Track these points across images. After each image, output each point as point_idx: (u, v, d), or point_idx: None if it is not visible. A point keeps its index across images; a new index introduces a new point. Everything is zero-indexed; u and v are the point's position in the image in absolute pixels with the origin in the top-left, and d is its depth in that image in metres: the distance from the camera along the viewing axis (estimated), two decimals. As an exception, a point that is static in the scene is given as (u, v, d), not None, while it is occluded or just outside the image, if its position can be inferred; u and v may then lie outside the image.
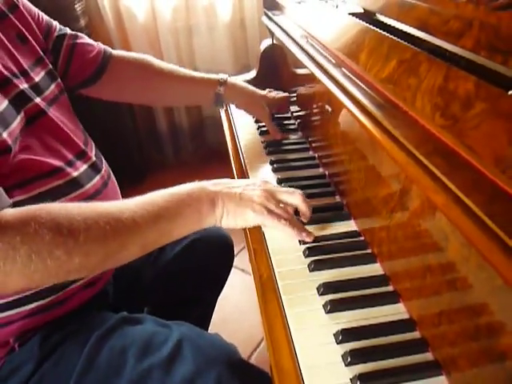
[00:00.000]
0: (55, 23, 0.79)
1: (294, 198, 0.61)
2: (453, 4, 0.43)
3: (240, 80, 0.98)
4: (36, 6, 0.76)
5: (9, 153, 0.53)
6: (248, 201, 0.58)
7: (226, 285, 1.00)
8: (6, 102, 0.55)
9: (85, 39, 0.83)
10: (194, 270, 0.87)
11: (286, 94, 1.00)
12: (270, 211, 0.58)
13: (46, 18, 0.77)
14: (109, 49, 0.86)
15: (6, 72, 0.58)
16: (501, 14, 0.36)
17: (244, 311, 1.41)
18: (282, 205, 0.61)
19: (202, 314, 0.98)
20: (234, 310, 1.41)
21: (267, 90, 1.00)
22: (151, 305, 0.93)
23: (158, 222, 0.53)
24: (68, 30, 0.81)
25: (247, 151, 0.91)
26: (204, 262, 0.87)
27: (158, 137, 2.15)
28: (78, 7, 1.78)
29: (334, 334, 0.49)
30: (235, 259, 1.00)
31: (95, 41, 0.84)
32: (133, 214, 0.51)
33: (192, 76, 0.90)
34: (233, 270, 1.00)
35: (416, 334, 0.48)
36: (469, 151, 0.35)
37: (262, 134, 0.97)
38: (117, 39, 1.89)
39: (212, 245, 0.90)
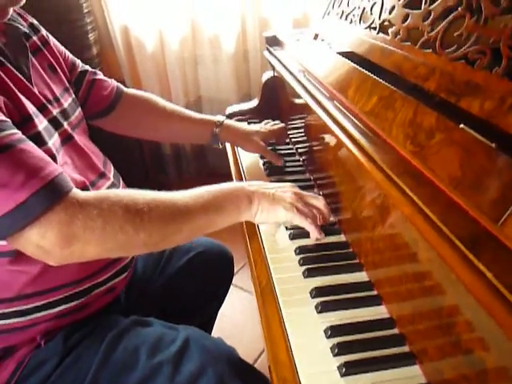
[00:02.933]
0: (78, 61, 0.89)
1: (318, 201, 0.70)
2: (421, 53, 0.53)
3: (234, 121, 1.05)
4: (54, 34, 0.85)
5: (55, 161, 0.61)
6: (280, 200, 0.67)
7: (225, 302, 1.06)
8: (45, 122, 0.64)
9: (102, 76, 0.93)
10: (196, 280, 0.94)
11: (283, 125, 1.07)
12: (298, 210, 0.66)
13: (70, 55, 0.88)
14: (121, 86, 0.96)
15: (42, 99, 0.67)
16: (455, 64, 0.46)
17: (242, 328, 1.45)
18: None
19: (203, 323, 1.05)
20: (233, 327, 1.46)
21: (264, 121, 1.09)
22: (157, 312, 1.00)
23: (206, 213, 0.62)
24: (89, 68, 0.91)
25: (249, 173, 0.99)
26: (205, 274, 0.94)
27: (162, 159, 2.24)
28: (91, 36, 1.90)
29: (324, 330, 0.56)
30: (235, 277, 1.08)
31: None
32: (186, 203, 0.61)
33: (192, 117, 0.99)
34: (232, 287, 1.07)
35: (395, 331, 0.56)
36: (431, 172, 0.43)
37: (262, 157, 1.05)
38: (126, 67, 1.99)
39: (213, 258, 0.97)
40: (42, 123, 0.63)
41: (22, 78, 0.62)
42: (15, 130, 0.54)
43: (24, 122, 0.59)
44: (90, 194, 0.57)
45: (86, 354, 0.65)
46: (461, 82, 0.44)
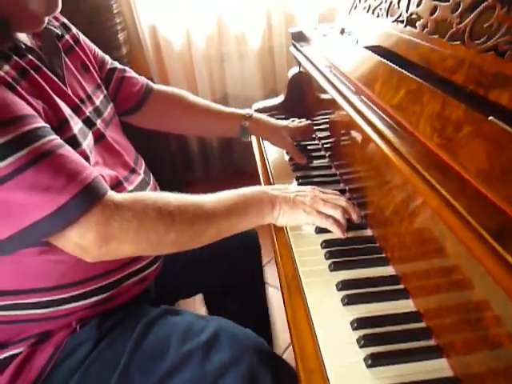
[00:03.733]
0: (107, 57, 0.92)
1: (340, 200, 0.71)
2: (449, 45, 0.52)
3: (264, 115, 1.06)
4: (85, 34, 0.89)
5: (88, 162, 0.64)
6: (300, 203, 0.69)
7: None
8: (80, 123, 0.67)
9: (131, 73, 0.96)
10: (220, 259, 0.95)
11: (309, 122, 1.08)
12: (318, 212, 0.68)
13: (100, 52, 0.90)
14: (150, 83, 0.99)
15: (76, 100, 0.70)
16: (484, 56, 0.45)
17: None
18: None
19: (238, 310, 1.01)
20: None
21: (291, 119, 1.09)
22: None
23: (230, 216, 0.65)
24: (118, 65, 0.94)
25: (275, 168, 1.00)
26: (231, 254, 0.95)
27: (189, 156, 2.28)
28: (121, 37, 1.95)
29: (351, 322, 0.57)
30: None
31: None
32: (212, 206, 0.64)
33: (221, 110, 1.01)
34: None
35: (421, 324, 0.56)
36: (459, 165, 0.43)
37: (287, 152, 1.06)
38: (154, 66, 2.04)
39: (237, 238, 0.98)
40: (76, 125, 0.65)
41: (57, 81, 0.65)
42: (54, 136, 0.57)
43: (61, 126, 0.62)
44: (126, 196, 0.60)
45: (119, 340, 0.68)
46: (490, 74, 0.44)
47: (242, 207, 0.67)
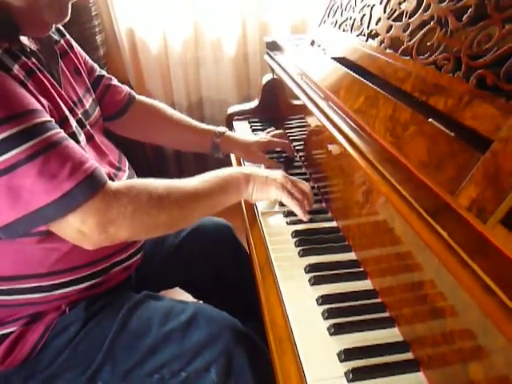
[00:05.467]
0: (96, 65, 0.98)
1: (304, 186, 0.82)
2: (400, 59, 0.62)
3: (236, 133, 1.11)
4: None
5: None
6: (272, 181, 0.78)
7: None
8: (75, 122, 0.72)
9: (116, 82, 1.02)
10: (196, 252, 0.99)
11: (281, 131, 1.13)
12: (287, 190, 0.78)
13: (89, 60, 0.96)
14: (133, 93, 1.04)
15: (70, 102, 0.74)
16: (427, 69, 0.55)
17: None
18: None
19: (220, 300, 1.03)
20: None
21: (266, 130, 1.15)
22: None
23: (212, 194, 0.73)
24: (105, 73, 0.99)
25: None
26: (205, 242, 1.00)
27: (164, 159, 2.31)
28: (98, 38, 1.97)
29: (316, 299, 0.65)
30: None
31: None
32: (195, 187, 0.71)
33: (195, 126, 1.06)
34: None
35: (377, 300, 0.64)
36: (405, 158, 0.52)
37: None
38: (131, 68, 2.06)
39: (210, 228, 1.03)
40: (73, 123, 0.71)
41: (55, 83, 0.70)
42: (60, 129, 0.62)
43: (62, 123, 0.67)
44: (121, 183, 0.66)
45: (105, 321, 0.73)
46: (430, 84, 0.53)
47: (222, 186, 0.74)
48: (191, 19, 1.97)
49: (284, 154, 1.11)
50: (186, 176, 0.74)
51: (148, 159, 2.29)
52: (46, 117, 0.60)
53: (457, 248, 0.40)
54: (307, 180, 0.99)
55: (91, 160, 0.63)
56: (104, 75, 0.98)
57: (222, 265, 1.04)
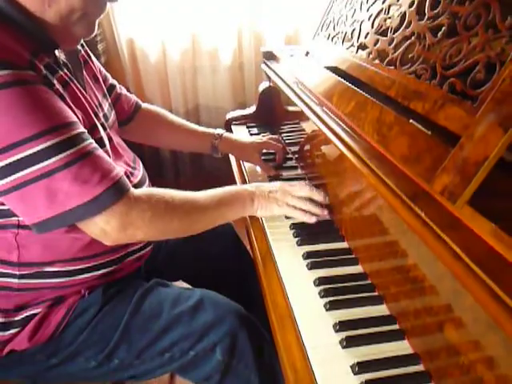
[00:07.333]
0: (109, 75, 1.06)
1: (303, 191, 0.87)
2: (386, 69, 0.71)
3: (234, 135, 1.20)
4: None
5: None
6: (273, 198, 0.86)
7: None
8: (101, 127, 0.79)
9: (125, 91, 1.10)
10: (199, 247, 1.06)
11: (275, 136, 1.21)
12: (288, 205, 0.85)
13: (103, 69, 1.03)
14: (140, 102, 1.14)
15: (94, 107, 0.81)
16: (408, 78, 0.64)
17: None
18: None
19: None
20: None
21: (261, 134, 1.23)
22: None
23: (219, 209, 0.81)
24: (116, 82, 1.07)
25: (250, 173, 1.16)
26: (206, 240, 1.03)
27: (161, 162, 2.39)
28: (100, 47, 2.05)
29: (314, 281, 0.72)
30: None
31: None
32: (205, 200, 0.80)
33: (195, 129, 1.16)
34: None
35: (367, 282, 0.72)
36: (389, 154, 0.61)
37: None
38: (131, 76, 2.14)
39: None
40: (101, 130, 0.78)
41: (83, 91, 0.78)
42: (91, 140, 0.69)
43: (92, 129, 0.74)
44: (142, 191, 0.74)
45: (121, 305, 0.80)
46: (411, 91, 0.62)
47: (228, 201, 0.83)
48: (189, 30, 2.06)
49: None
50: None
51: (145, 162, 2.35)
52: (81, 128, 0.68)
53: (432, 224, 0.48)
54: (303, 179, 1.07)
55: (117, 168, 0.71)
56: (116, 85, 1.06)
57: (224, 260, 1.11)
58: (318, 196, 0.88)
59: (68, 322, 0.77)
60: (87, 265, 0.78)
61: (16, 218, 0.70)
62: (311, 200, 0.87)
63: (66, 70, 0.75)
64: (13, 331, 0.76)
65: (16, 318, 0.76)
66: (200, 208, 0.79)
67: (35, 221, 0.65)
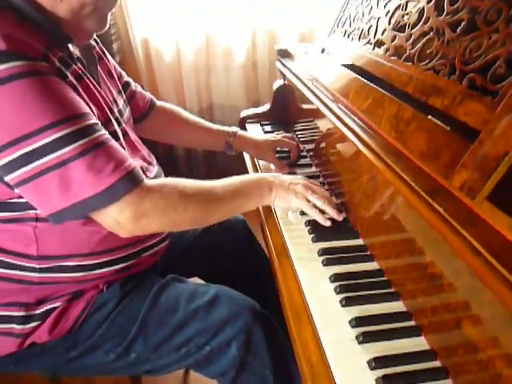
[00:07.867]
0: (123, 72, 1.07)
1: (323, 191, 0.87)
2: (404, 65, 0.70)
3: (248, 133, 1.19)
4: None
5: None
6: (293, 190, 0.84)
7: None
8: (115, 121, 0.81)
9: (140, 88, 1.11)
10: (213, 245, 1.06)
11: (289, 135, 1.20)
12: (307, 200, 0.83)
13: (118, 66, 1.05)
14: (154, 99, 1.14)
15: (109, 102, 0.83)
16: (426, 73, 0.63)
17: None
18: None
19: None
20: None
21: (275, 132, 1.23)
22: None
23: (235, 198, 0.80)
24: (131, 80, 1.08)
25: (264, 170, 1.16)
26: (221, 237, 1.07)
27: (174, 160, 2.40)
28: (115, 46, 2.08)
29: (329, 277, 0.73)
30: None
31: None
32: (221, 189, 0.78)
33: (210, 127, 1.16)
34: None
35: (384, 278, 0.72)
36: (407, 150, 0.60)
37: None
38: (145, 75, 2.16)
39: (226, 224, 1.06)
40: (114, 123, 0.79)
41: (97, 85, 0.79)
42: (105, 131, 0.70)
43: (106, 123, 0.75)
44: (155, 181, 0.74)
45: (138, 299, 0.81)
46: (429, 86, 0.62)
47: (245, 190, 0.81)
48: (203, 29, 2.07)
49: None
50: (195, 176, 0.81)
51: (159, 159, 2.37)
52: (94, 119, 0.69)
53: (451, 220, 0.48)
54: (317, 177, 1.07)
55: (131, 159, 0.71)
56: (131, 82, 1.07)
57: (237, 256, 1.11)
58: (332, 205, 0.86)
59: (87, 315, 0.78)
60: (105, 259, 0.79)
61: (34, 211, 0.71)
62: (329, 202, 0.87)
63: (79, 65, 0.76)
64: (33, 324, 0.77)
65: (37, 312, 0.78)
66: (215, 198, 0.78)
67: (50, 211, 0.66)
